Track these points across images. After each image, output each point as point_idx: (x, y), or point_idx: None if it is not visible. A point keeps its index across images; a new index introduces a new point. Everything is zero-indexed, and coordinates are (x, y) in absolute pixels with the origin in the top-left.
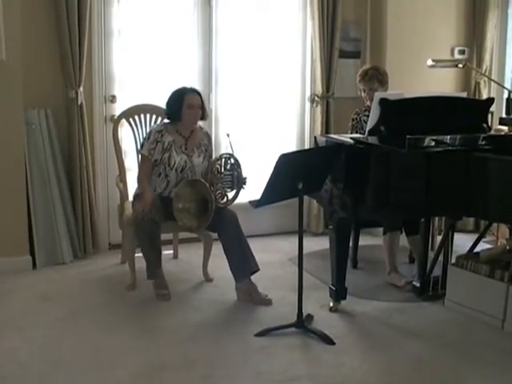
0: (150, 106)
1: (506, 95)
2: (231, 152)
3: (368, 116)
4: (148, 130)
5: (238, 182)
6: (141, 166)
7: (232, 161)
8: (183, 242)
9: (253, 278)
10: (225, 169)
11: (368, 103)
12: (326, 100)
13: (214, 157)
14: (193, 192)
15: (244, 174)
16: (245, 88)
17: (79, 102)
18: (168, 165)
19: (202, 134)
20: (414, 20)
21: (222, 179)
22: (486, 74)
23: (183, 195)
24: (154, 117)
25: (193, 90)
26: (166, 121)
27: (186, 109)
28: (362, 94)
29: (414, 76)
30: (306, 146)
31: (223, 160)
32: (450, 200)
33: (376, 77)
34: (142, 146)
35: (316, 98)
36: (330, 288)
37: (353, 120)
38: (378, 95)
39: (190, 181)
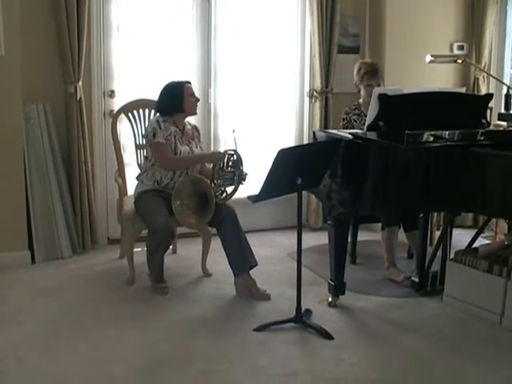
0: (148, 101)
1: (504, 91)
2: (235, 148)
3: (358, 115)
4: (148, 123)
5: (239, 179)
6: (161, 153)
7: (235, 157)
8: (182, 237)
9: (252, 272)
10: (227, 165)
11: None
12: (325, 95)
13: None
14: (193, 188)
15: (245, 170)
16: (244, 83)
17: (78, 97)
18: (174, 154)
19: (191, 128)
20: (412, 15)
21: (224, 176)
22: (485, 69)
23: (183, 191)
24: (153, 112)
25: (187, 81)
26: (158, 115)
27: (188, 97)
28: (363, 91)
29: (412, 71)
30: (305, 141)
31: (226, 157)
32: (448, 195)
33: (379, 72)
34: (153, 136)
35: (315, 94)
36: (329, 283)
37: (343, 120)
38: (377, 90)
39: (191, 177)
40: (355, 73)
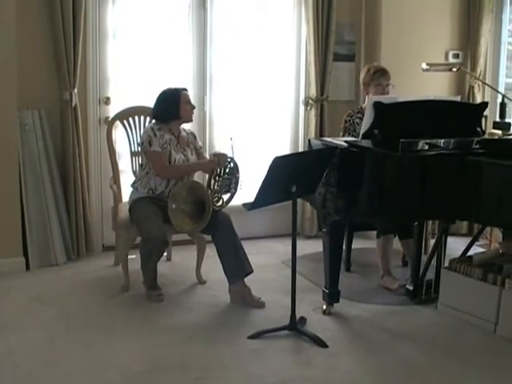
0: (144, 108)
1: (499, 99)
2: (232, 156)
3: (360, 118)
4: (143, 131)
5: (235, 186)
6: (156, 161)
7: (232, 165)
8: (177, 245)
9: (246, 280)
10: (224, 172)
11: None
12: (321, 103)
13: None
14: (190, 193)
15: (241, 178)
16: (239, 91)
17: (73, 104)
18: (169, 162)
19: (186, 134)
20: (408, 23)
21: (221, 183)
22: (480, 78)
23: (180, 196)
24: (148, 119)
25: (183, 88)
26: (153, 123)
27: (185, 105)
28: (373, 90)
29: (408, 80)
30: (300, 149)
31: None
32: (443, 203)
33: (389, 73)
34: (149, 144)
35: (310, 101)
36: (323, 291)
37: (345, 122)
38: (373, 99)
39: (189, 182)
40: (363, 75)
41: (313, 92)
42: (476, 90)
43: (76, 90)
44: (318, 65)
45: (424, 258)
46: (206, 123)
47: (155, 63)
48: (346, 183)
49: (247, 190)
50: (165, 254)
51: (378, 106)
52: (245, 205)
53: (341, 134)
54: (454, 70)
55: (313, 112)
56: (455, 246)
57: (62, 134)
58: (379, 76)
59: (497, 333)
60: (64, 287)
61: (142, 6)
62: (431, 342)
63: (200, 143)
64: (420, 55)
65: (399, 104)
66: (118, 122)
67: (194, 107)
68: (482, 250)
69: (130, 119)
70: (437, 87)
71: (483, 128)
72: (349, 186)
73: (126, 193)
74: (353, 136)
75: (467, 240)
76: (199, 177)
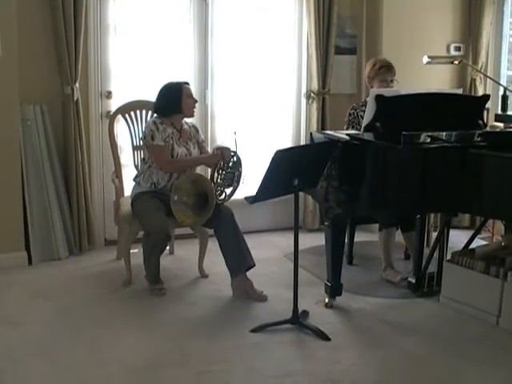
0: (145, 102)
1: (501, 92)
2: (235, 150)
3: (365, 111)
4: (145, 125)
5: (238, 180)
6: (159, 155)
7: (235, 159)
8: (179, 238)
9: (248, 274)
10: (227, 166)
11: None
12: (322, 96)
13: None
14: (193, 186)
15: (243, 173)
16: (241, 84)
17: (75, 98)
18: (171, 156)
19: (189, 128)
20: (409, 16)
21: (224, 176)
22: (482, 70)
23: (183, 188)
24: (150, 113)
25: (185, 82)
26: (155, 116)
27: (187, 99)
28: (377, 86)
29: (409, 72)
30: (302, 143)
31: None
32: (445, 196)
33: (394, 69)
34: (151, 138)
35: (312, 95)
36: (326, 284)
37: (350, 115)
38: (374, 91)
39: (192, 175)
40: (368, 69)
41: (314, 85)
42: (478, 83)
43: (77, 85)
44: (319, 58)
45: (426, 251)
46: (207, 117)
47: (156, 57)
48: (347, 176)
49: (249, 183)
50: (167, 247)
51: (379, 98)
52: (247, 198)
53: (345, 127)
54: (456, 62)
55: (314, 105)
56: (457, 238)
57: (64, 128)
58: (384, 72)
59: (499, 325)
60: (66, 282)
61: None
62: (433, 334)
63: (202, 137)
64: (421, 48)
65: (401, 97)
66: (119, 116)
67: (196, 101)
68: (484, 242)
69: (132, 113)
70: (438, 80)
71: (485, 121)
72: (351, 179)
73: (128, 187)
74: (357, 129)
75: (469, 233)
76: (201, 170)
